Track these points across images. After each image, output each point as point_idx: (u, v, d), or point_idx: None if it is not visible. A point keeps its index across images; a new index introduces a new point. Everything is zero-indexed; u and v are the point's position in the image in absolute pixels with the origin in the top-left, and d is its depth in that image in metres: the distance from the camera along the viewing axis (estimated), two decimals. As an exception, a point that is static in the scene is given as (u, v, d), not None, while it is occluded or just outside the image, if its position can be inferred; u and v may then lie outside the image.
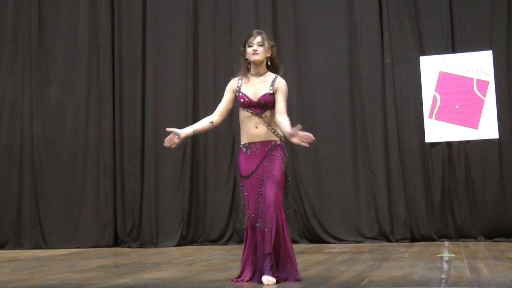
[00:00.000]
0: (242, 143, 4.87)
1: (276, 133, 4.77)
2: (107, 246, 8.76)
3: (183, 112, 8.80)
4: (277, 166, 4.72)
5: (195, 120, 8.77)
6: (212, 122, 4.98)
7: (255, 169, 4.73)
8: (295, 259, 4.75)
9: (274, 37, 8.64)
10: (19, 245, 8.94)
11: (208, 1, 8.99)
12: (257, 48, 4.79)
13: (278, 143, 4.77)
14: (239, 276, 4.74)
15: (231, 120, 8.73)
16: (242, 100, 4.80)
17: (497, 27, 8.09)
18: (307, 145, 4.50)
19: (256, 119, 4.78)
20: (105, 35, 9.05)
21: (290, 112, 8.41)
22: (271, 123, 4.78)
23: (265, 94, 4.75)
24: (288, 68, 8.55)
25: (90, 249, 8.58)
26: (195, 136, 8.70)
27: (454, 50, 8.19)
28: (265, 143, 4.75)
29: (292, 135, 4.49)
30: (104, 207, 8.86)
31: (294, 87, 8.50)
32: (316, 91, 8.57)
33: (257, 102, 4.75)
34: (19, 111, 9.19)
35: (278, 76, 4.84)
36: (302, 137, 4.45)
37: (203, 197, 8.74)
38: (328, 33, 8.61)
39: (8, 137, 9.14)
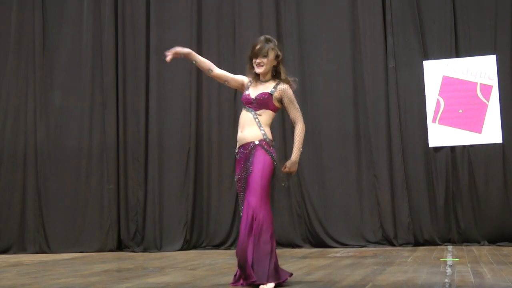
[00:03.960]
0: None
1: (264, 133, 4.73)
2: (111, 250, 8.77)
3: (187, 118, 8.80)
4: (256, 168, 4.64)
5: (198, 126, 8.83)
6: (210, 70, 4.97)
7: (241, 172, 4.72)
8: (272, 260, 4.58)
9: (278, 42, 8.64)
10: (23, 250, 8.96)
11: (211, 7, 9.01)
12: (261, 60, 4.78)
13: (257, 143, 4.70)
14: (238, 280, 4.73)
15: (235, 126, 8.74)
16: (242, 97, 4.84)
17: (500, 32, 8.09)
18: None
19: (248, 117, 4.77)
20: (109, 40, 9.07)
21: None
22: (262, 123, 4.75)
23: (263, 93, 4.77)
24: (291, 72, 8.56)
25: (94, 253, 8.58)
26: (198, 141, 8.78)
27: (457, 55, 8.19)
28: (245, 146, 4.75)
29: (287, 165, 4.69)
30: (108, 211, 8.86)
31: (298, 91, 8.41)
32: (319, 95, 8.57)
33: (253, 99, 4.76)
34: (22, 116, 9.21)
35: (281, 82, 4.83)
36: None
37: (206, 201, 8.75)
38: (332, 38, 8.62)
39: (12, 142, 9.17)
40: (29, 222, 9.02)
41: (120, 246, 8.88)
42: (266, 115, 4.79)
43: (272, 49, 4.80)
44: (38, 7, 9.28)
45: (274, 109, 4.82)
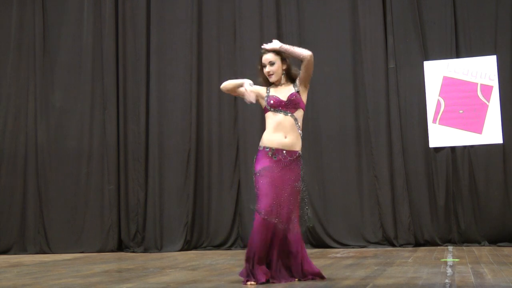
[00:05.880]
0: (268, 146, 4.85)
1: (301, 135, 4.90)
2: (111, 251, 8.78)
3: (187, 118, 8.81)
4: (296, 177, 4.83)
5: (199, 126, 8.82)
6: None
7: (278, 173, 4.78)
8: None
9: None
10: (23, 250, 8.97)
11: (212, 8, 9.02)
12: (269, 70, 4.92)
13: (299, 153, 4.88)
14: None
15: (235, 126, 8.77)
16: (272, 101, 4.87)
17: (501, 32, 8.09)
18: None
19: (288, 121, 4.84)
20: (109, 41, 9.08)
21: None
22: (300, 127, 4.89)
23: (293, 93, 4.89)
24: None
25: (94, 254, 8.59)
26: (199, 141, 8.78)
27: (458, 55, 8.20)
28: (290, 153, 4.83)
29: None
30: (108, 212, 8.87)
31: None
32: (320, 96, 8.57)
33: (287, 100, 4.85)
34: (23, 117, 9.23)
35: (296, 80, 4.99)
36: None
37: (207, 202, 8.75)
38: (332, 38, 8.63)
39: (13, 143, 9.18)
40: (29, 222, 9.03)
41: (120, 247, 8.88)
42: (300, 116, 4.92)
43: (276, 54, 4.93)
44: (39, 7, 9.30)
45: (304, 107, 4.95)
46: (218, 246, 8.61)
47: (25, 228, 9.05)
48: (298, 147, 4.87)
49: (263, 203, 4.72)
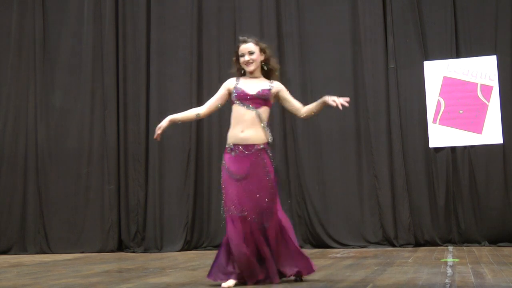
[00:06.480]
0: (228, 143, 4.84)
1: (270, 135, 4.79)
2: (111, 251, 8.77)
3: (187, 118, 8.79)
4: (264, 171, 4.72)
5: (199, 126, 8.82)
6: (198, 114, 5.01)
7: (246, 172, 4.71)
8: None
9: (278, 42, 8.68)
10: (23, 250, 8.96)
11: (212, 8, 9.01)
12: (249, 58, 4.84)
13: (262, 146, 4.75)
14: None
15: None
16: (237, 94, 4.80)
17: (501, 32, 8.09)
18: (340, 107, 4.87)
19: (249, 115, 4.75)
20: (109, 41, 9.08)
21: (293, 117, 8.50)
22: (264, 122, 4.78)
23: (265, 89, 4.81)
24: (292, 73, 8.59)
25: (94, 254, 8.59)
26: (199, 141, 8.78)
27: (458, 55, 8.20)
28: (248, 147, 4.74)
29: (327, 99, 4.89)
30: (108, 212, 8.87)
31: (298, 92, 8.50)
32: (320, 95, 8.52)
33: (255, 94, 4.77)
34: (23, 117, 9.22)
35: (271, 77, 4.92)
36: (336, 99, 4.88)
37: (207, 202, 8.75)
38: (332, 38, 8.62)
39: (13, 143, 9.17)
40: (29, 222, 9.02)
41: (120, 247, 8.88)
42: (266, 113, 4.82)
43: (256, 43, 4.88)
44: (39, 7, 9.29)
45: (270, 106, 4.87)
46: (218, 246, 8.58)
47: (25, 228, 9.04)
48: (258, 140, 4.74)
49: (226, 200, 4.72)
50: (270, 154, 4.82)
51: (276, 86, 4.89)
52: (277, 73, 4.98)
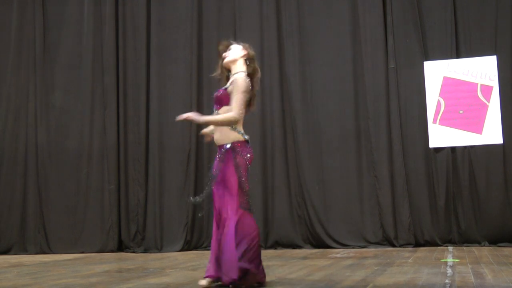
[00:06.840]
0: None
1: (235, 129, 4.72)
2: (111, 251, 8.77)
3: (187, 118, 8.80)
4: (228, 174, 4.66)
5: (199, 126, 8.77)
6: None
7: (216, 173, 4.74)
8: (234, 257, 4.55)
9: (278, 43, 8.69)
10: (24, 250, 8.96)
11: (212, 9, 9.02)
12: (226, 53, 4.96)
13: (229, 146, 4.70)
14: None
15: (235, 125, 8.75)
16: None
17: (501, 32, 8.09)
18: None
19: None
20: (109, 41, 9.08)
21: (294, 117, 8.53)
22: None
23: (220, 90, 4.85)
24: (292, 72, 8.60)
25: (94, 254, 8.59)
26: (199, 142, 8.77)
27: (458, 55, 8.20)
28: (219, 147, 4.79)
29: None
30: (108, 212, 8.87)
31: (298, 91, 8.53)
32: (320, 96, 8.58)
33: (214, 97, 4.84)
34: (23, 117, 9.22)
35: (238, 73, 4.86)
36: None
37: (207, 202, 8.72)
38: (332, 38, 8.63)
39: (13, 143, 9.17)
40: (29, 222, 9.02)
41: (120, 247, 8.88)
42: (226, 111, 4.73)
43: (236, 43, 4.98)
44: (39, 7, 9.30)
45: (228, 103, 4.76)
46: (218, 246, 8.60)
47: (25, 228, 9.04)
48: (226, 140, 4.72)
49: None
50: (239, 152, 4.70)
51: (232, 81, 4.83)
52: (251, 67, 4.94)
